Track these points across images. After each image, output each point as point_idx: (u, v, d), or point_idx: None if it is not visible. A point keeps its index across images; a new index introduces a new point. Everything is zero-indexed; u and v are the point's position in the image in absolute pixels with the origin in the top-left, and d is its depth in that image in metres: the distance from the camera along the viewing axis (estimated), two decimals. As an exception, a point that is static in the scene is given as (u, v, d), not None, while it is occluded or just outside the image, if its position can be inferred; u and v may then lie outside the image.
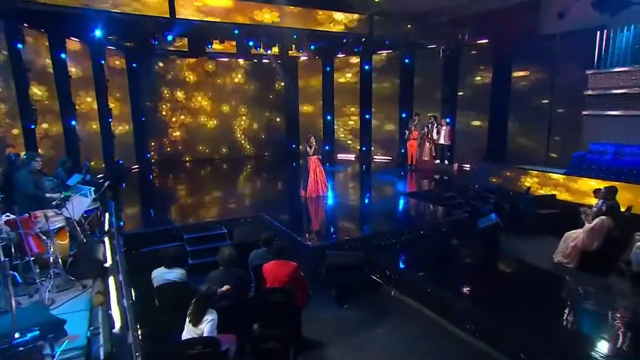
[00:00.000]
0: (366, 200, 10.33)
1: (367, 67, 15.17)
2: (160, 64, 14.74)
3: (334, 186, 11.09)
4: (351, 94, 15.87)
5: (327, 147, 15.77)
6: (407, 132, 13.31)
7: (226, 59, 15.59)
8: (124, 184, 11.75)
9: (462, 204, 9.85)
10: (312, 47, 13.40)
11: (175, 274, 5.09)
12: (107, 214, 6.79)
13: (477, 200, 9.39)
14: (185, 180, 12.64)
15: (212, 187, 11.46)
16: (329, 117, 16.26)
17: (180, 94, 15.52)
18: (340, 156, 16.09)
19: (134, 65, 13.50)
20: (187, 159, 15.61)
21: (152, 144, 14.99)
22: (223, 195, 10.49)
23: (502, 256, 7.16)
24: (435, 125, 13.34)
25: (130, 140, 13.87)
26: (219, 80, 16.04)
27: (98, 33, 10.30)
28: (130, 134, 13.85)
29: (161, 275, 5.06)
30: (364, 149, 15.62)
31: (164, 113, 15.15)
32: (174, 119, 15.48)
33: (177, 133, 15.63)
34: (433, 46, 13.48)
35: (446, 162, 13.39)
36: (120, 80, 13.32)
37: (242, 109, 16.76)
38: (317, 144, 9.84)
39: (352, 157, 15.98)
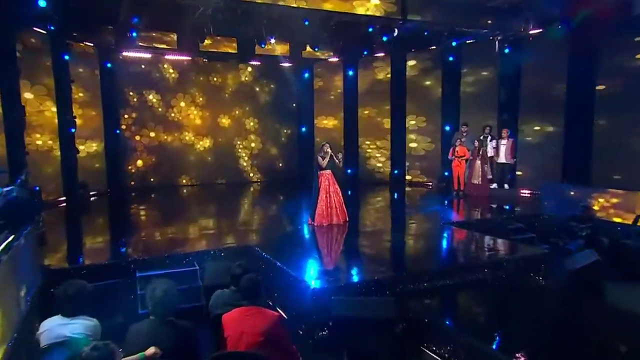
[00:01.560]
0: (398, 232, 8.84)
1: (399, 68, 13.99)
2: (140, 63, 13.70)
3: (355, 214, 9.77)
4: (380, 101, 14.73)
5: (349, 171, 14.64)
6: (452, 148, 11.92)
7: (224, 61, 14.61)
8: (83, 211, 10.74)
9: (535, 238, 8.34)
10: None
11: (77, 326, 3.57)
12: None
13: (560, 233, 7.79)
14: (166, 208, 11.52)
15: (198, 215, 10.50)
16: (349, 131, 15.02)
17: (152, 98, 14.12)
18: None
19: (109, 65, 12.60)
20: (183, 181, 14.64)
21: (130, 167, 13.83)
22: (208, 224, 9.48)
23: (608, 309, 5.42)
24: (491, 138, 11.88)
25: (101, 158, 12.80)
26: (215, 79, 14.86)
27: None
28: (101, 151, 12.77)
29: (53, 329, 3.56)
30: (395, 172, 14.32)
31: (123, 127, 13.58)
32: (138, 137, 13.85)
33: (140, 161, 13.94)
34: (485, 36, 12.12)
35: (506, 186, 11.72)
36: (92, 84, 12.41)
37: (250, 122, 15.52)
38: (336, 154, 8.59)
39: (381, 181, 14.72)
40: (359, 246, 7.59)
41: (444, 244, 7.90)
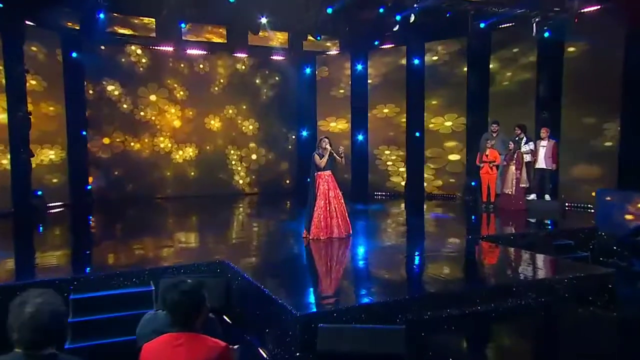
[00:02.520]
0: (415, 247, 7.97)
1: (416, 61, 13.35)
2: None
3: (361, 227, 9.03)
4: (394, 99, 14.04)
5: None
6: (479, 153, 11.14)
7: (212, 54, 13.92)
8: (32, 225, 10.00)
9: (588, 257, 7.63)
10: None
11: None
12: None
13: (621, 250, 7.00)
14: (133, 222, 10.79)
15: (171, 229, 9.78)
16: (360, 137, 14.29)
17: (113, 89, 12.92)
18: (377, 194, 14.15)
19: (74, 55, 11.91)
20: (158, 194, 13.65)
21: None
22: (180, 238, 8.67)
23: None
24: (526, 140, 11.03)
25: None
26: (201, 67, 13.93)
27: None
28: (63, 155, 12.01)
29: None
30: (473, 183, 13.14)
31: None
32: (95, 144, 12.70)
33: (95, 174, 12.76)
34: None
35: (547, 197, 10.76)
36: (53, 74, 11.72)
37: (249, 125, 14.71)
38: (336, 149, 7.85)
39: (396, 193, 14.00)
40: (364, 263, 6.69)
41: (473, 261, 7.07)
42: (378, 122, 14.24)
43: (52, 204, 11.40)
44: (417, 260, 7.17)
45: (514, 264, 6.71)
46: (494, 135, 11.29)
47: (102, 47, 12.44)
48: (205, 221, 10.74)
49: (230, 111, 14.44)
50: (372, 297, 4.96)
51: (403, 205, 12.82)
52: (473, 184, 12.20)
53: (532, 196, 10.96)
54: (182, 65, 13.71)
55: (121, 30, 12.58)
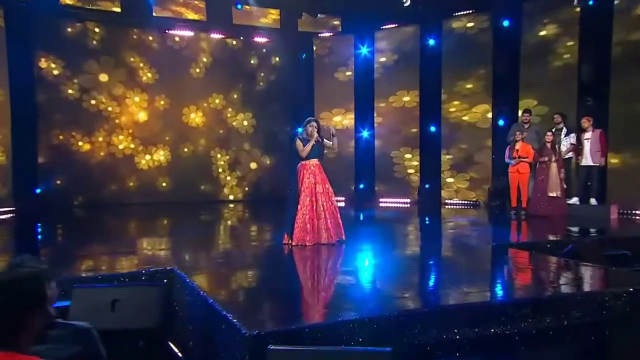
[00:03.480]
0: (427, 254, 7.28)
1: (431, 40, 12.69)
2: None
3: (359, 233, 8.44)
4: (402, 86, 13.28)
5: (361, 186, 13.58)
6: (508, 148, 10.38)
7: (190, 33, 13.10)
8: None
9: None
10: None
11: None
12: None
13: None
14: (83, 229, 9.91)
15: (124, 235, 9.16)
16: (365, 133, 13.55)
17: (54, 67, 11.71)
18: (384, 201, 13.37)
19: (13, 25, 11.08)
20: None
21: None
22: (130, 245, 7.85)
23: None
24: (566, 132, 10.33)
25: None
26: (176, 41, 12.99)
27: None
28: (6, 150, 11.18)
29: None
30: (427, 185, 12.85)
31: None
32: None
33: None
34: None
35: (593, 200, 9.91)
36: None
37: (242, 120, 13.82)
38: (328, 133, 7.21)
39: (407, 200, 13.22)
40: (354, 275, 5.78)
41: (498, 271, 6.26)
42: (395, 114, 13.33)
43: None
44: (424, 270, 6.25)
45: (552, 275, 5.76)
46: (526, 126, 10.60)
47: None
48: (169, 228, 9.96)
49: (217, 101, 13.52)
50: (357, 312, 4.03)
51: (416, 213, 12.09)
52: (500, 186, 11.43)
53: (574, 200, 10.18)
54: (150, 38, 12.76)
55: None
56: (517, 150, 10.12)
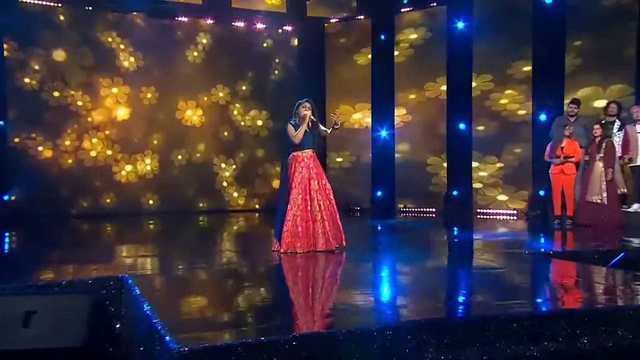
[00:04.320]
0: (449, 263, 6.95)
1: (460, 22, 12.22)
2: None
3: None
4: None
5: (379, 194, 13.18)
6: (552, 144, 9.91)
7: (183, 19, 12.66)
8: None
9: None
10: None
11: None
12: None
13: None
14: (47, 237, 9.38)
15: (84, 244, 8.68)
16: (382, 132, 13.11)
17: (6, 49, 10.88)
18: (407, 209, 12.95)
19: None
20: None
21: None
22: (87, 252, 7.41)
23: None
24: (619, 126, 9.84)
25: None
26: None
27: None
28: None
29: None
30: (455, 193, 12.41)
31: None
32: None
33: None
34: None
35: None
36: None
37: (256, 119, 13.17)
38: (330, 122, 6.75)
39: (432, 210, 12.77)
40: (354, 285, 5.19)
41: (537, 279, 5.79)
42: (428, 108, 12.61)
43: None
44: (441, 280, 5.64)
45: (609, 285, 5.19)
46: (572, 119, 10.00)
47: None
48: (141, 238, 9.40)
49: (221, 94, 12.88)
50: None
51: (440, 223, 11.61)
52: (542, 193, 11.02)
53: (635, 207, 9.54)
54: (133, 13, 12.06)
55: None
56: (563, 148, 9.61)
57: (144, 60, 12.29)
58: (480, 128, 12.01)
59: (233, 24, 12.99)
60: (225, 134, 13.04)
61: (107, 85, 12.01)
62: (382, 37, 13.09)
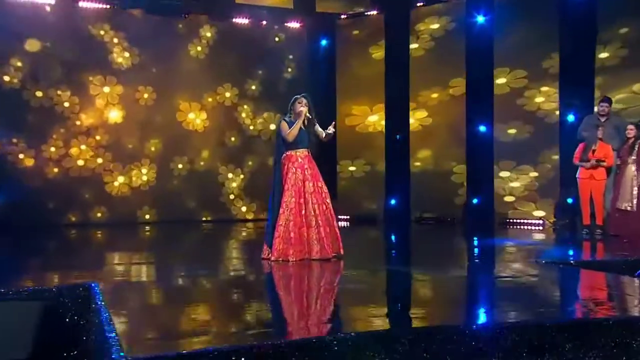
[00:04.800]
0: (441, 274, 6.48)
1: (481, 16, 11.93)
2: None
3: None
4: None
5: (393, 202, 12.86)
6: (582, 146, 9.60)
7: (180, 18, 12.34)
8: None
9: None
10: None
11: None
12: None
13: None
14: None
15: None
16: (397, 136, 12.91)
17: None
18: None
19: None
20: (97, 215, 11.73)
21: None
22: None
23: None
24: None
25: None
26: None
27: None
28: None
29: None
30: (475, 200, 12.12)
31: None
32: None
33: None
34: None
35: None
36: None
37: (267, 122, 12.67)
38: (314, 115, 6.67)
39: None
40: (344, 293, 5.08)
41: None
42: (453, 108, 12.24)
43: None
44: (441, 286, 5.52)
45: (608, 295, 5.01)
46: (603, 119, 9.65)
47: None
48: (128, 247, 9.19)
49: (228, 94, 12.52)
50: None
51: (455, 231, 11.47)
52: (570, 200, 10.68)
53: None
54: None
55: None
56: (594, 150, 9.29)
57: (139, 55, 11.85)
58: (512, 131, 11.61)
59: (236, 20, 12.71)
60: (232, 139, 12.62)
61: (98, 83, 11.63)
62: (395, 33, 12.80)
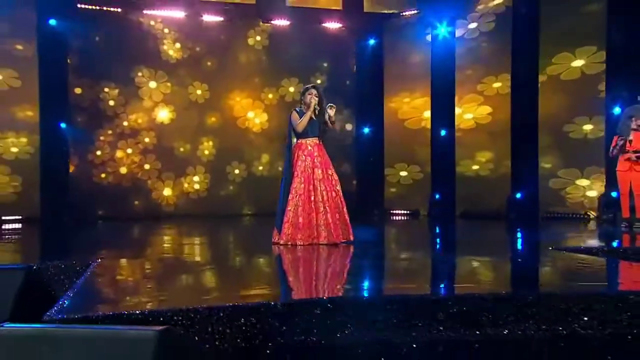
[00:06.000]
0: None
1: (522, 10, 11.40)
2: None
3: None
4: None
5: (437, 196, 12.44)
6: (618, 139, 9.07)
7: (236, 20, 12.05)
8: None
9: None
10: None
11: None
12: None
13: None
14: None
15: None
16: (442, 131, 12.44)
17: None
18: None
19: (51, 21, 11.08)
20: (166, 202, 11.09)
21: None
22: None
23: None
24: None
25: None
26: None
27: None
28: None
29: None
30: (518, 195, 11.57)
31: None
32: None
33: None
34: None
35: None
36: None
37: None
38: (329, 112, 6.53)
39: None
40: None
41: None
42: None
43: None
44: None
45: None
46: None
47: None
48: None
49: (292, 89, 11.59)
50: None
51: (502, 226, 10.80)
52: (614, 194, 9.99)
53: None
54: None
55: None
56: (631, 141, 8.78)
57: (190, 49, 11.13)
58: (588, 127, 10.86)
59: (288, 22, 12.39)
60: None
61: (141, 79, 10.81)
62: (441, 30, 12.24)
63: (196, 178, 11.08)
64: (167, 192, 10.84)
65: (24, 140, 10.48)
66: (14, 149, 10.45)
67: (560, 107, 11.03)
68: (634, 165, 8.75)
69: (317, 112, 6.38)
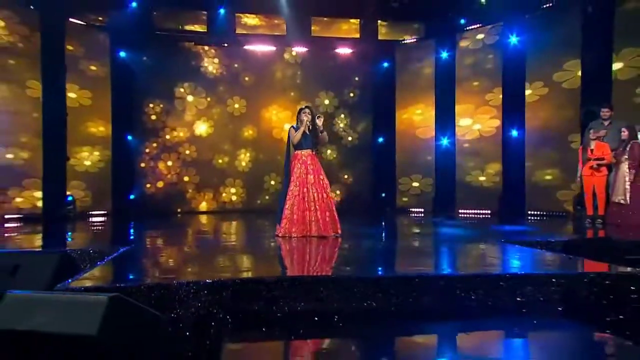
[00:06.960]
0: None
1: (512, 37, 11.83)
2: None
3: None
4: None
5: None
6: (582, 148, 9.61)
7: (272, 47, 12.87)
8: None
9: None
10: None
11: None
12: None
13: None
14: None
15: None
16: (445, 140, 12.87)
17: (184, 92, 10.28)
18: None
19: (121, 53, 12.39)
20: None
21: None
22: None
23: None
24: None
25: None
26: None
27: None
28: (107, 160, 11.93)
29: None
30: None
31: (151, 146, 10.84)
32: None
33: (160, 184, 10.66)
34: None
35: None
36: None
37: (357, 130, 11.44)
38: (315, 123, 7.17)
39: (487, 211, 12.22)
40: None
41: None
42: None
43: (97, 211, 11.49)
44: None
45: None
46: (605, 123, 9.46)
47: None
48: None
49: (327, 101, 11.48)
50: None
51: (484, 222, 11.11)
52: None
53: None
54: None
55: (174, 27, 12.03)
56: (592, 150, 9.24)
57: (227, 67, 11.04)
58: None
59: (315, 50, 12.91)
60: (329, 152, 11.68)
61: (185, 92, 10.74)
62: (444, 54, 12.73)
63: (233, 190, 10.88)
64: (204, 204, 10.72)
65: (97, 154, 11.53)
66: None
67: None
68: (595, 171, 9.15)
69: (309, 128, 6.99)
